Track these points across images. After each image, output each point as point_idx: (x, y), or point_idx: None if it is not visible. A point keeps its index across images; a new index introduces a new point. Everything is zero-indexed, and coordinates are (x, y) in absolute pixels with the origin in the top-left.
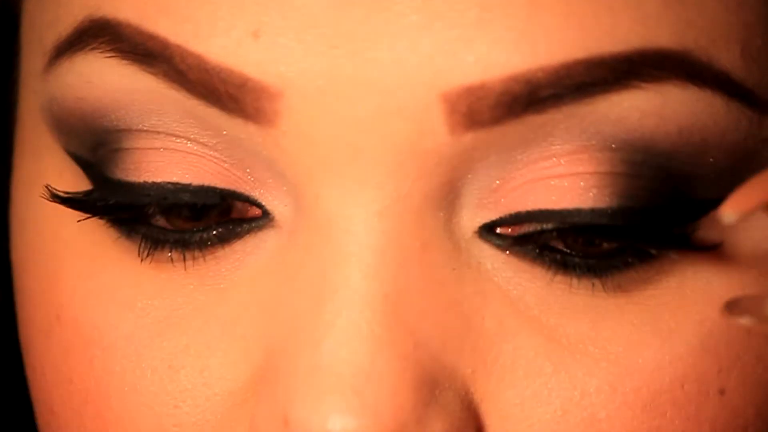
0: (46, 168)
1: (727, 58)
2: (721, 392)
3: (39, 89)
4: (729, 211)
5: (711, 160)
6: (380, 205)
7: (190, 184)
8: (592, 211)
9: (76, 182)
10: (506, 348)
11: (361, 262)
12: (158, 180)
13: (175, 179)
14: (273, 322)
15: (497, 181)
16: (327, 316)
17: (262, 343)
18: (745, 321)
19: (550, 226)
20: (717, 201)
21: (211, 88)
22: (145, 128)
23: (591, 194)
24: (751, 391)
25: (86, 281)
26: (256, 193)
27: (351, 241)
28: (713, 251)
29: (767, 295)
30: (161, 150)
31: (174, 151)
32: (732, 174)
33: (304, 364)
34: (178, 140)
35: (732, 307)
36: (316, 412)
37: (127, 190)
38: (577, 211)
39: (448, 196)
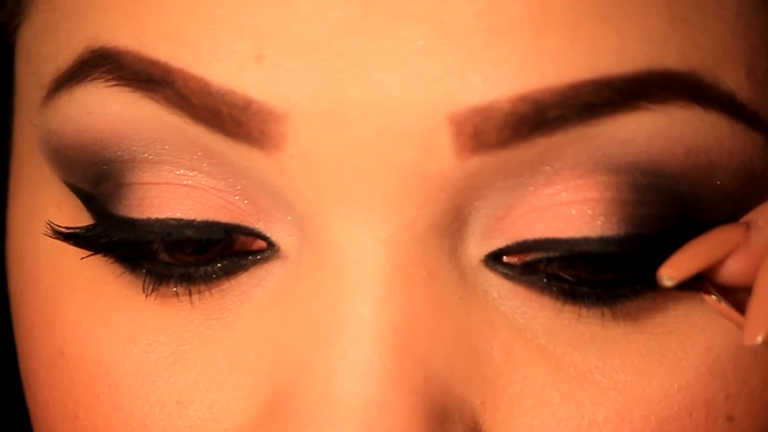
0: (44, 200)
1: (733, 79)
2: (729, 419)
3: (36, 122)
4: (667, 274)
5: (718, 182)
6: (386, 233)
7: (194, 220)
8: (600, 240)
9: (75, 215)
10: (515, 378)
11: (369, 294)
12: (162, 216)
13: (179, 215)
14: (281, 356)
15: (503, 209)
16: (337, 349)
17: (271, 377)
18: (713, 300)
19: (557, 254)
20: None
21: (215, 112)
22: (148, 158)
23: (598, 222)
24: (758, 416)
25: (90, 316)
26: (260, 225)
27: (359, 271)
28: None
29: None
30: (165, 185)
31: (178, 186)
32: (738, 197)
33: (315, 398)
34: (181, 172)
35: (705, 286)
36: None
37: (131, 226)
38: (585, 240)
39: (453, 224)
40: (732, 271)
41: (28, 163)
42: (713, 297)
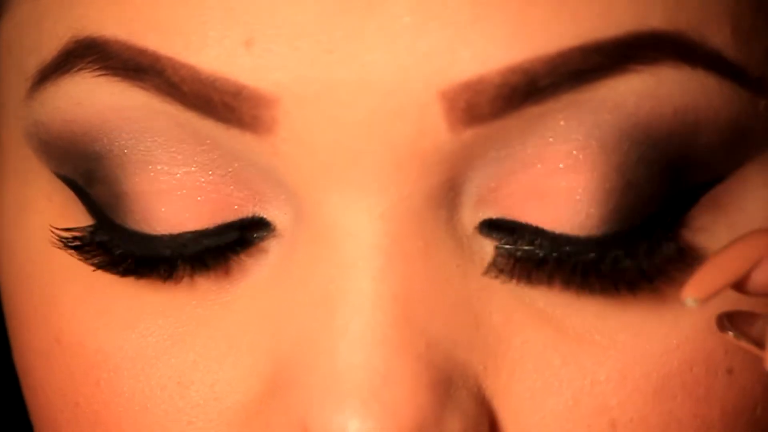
0: (34, 193)
1: (719, 37)
2: (729, 372)
3: (21, 115)
4: (691, 297)
5: (705, 140)
6: (382, 208)
7: (207, 229)
8: (588, 240)
9: (66, 205)
10: (515, 342)
11: (367, 266)
12: (174, 231)
13: (190, 227)
14: (281, 332)
15: (495, 180)
16: (339, 321)
17: (271, 354)
18: (731, 337)
19: (544, 252)
20: (712, 183)
21: (206, 99)
22: (139, 154)
23: (585, 212)
24: (758, 369)
25: (85, 304)
26: (257, 208)
27: (356, 245)
28: (711, 234)
29: (758, 314)
30: (165, 194)
31: (179, 195)
32: (726, 154)
33: (320, 372)
34: (175, 170)
35: (721, 322)
36: (336, 418)
37: (145, 242)
38: (574, 240)
39: (448, 195)
40: (758, 283)
41: (15, 156)
42: (731, 334)
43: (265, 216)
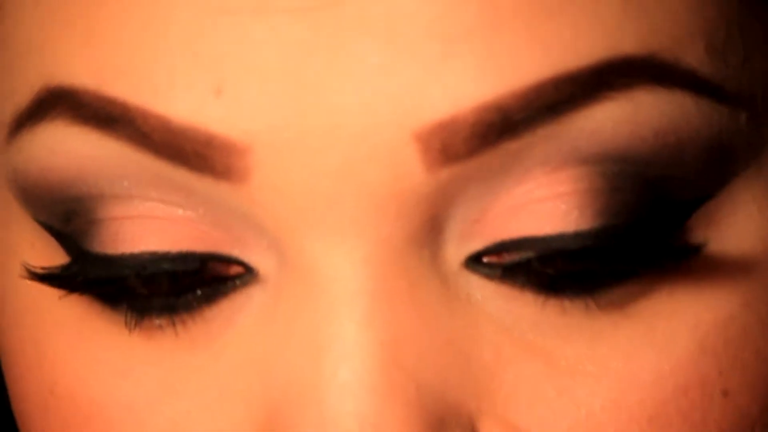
0: (18, 239)
1: (693, 55)
2: (725, 394)
3: (2, 161)
4: None
5: (688, 160)
6: (363, 251)
7: (168, 252)
8: (576, 235)
9: (49, 252)
10: (507, 377)
11: (352, 311)
12: (136, 250)
13: (152, 248)
14: (271, 380)
15: (478, 212)
16: (327, 370)
17: (264, 402)
18: None
19: (534, 253)
20: (699, 201)
21: (177, 148)
22: (116, 193)
23: (573, 216)
24: (754, 389)
25: (77, 354)
26: (236, 251)
27: (339, 290)
28: (700, 253)
29: None
30: (137, 218)
31: (150, 219)
32: (710, 170)
33: (309, 421)
34: (152, 204)
35: None
36: None
37: (106, 263)
38: (561, 236)
39: (430, 234)
40: None
41: (0, 201)
42: None
43: (247, 262)
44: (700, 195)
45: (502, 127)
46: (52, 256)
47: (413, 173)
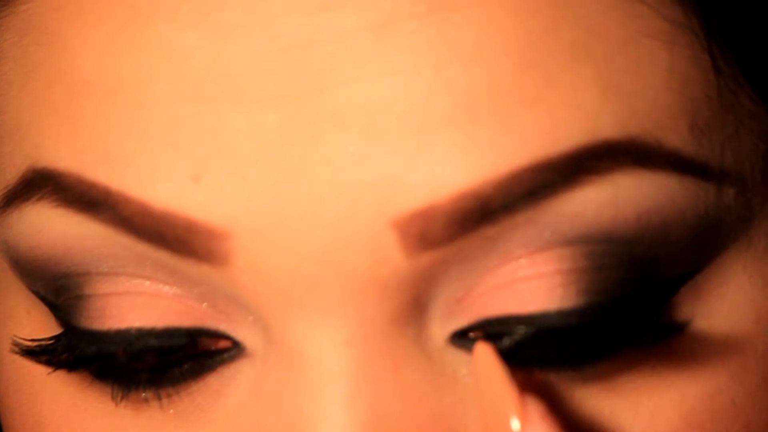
0: (14, 307)
1: (676, 135)
2: None
3: None
4: None
5: (674, 238)
6: (346, 334)
7: (154, 328)
8: (559, 313)
9: (44, 320)
10: None
11: (335, 393)
12: (123, 326)
13: (138, 324)
14: None
15: (462, 290)
16: None
17: None
18: None
19: (520, 333)
20: (685, 276)
21: (158, 233)
22: (103, 271)
23: (556, 295)
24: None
25: (71, 425)
26: (222, 326)
27: (321, 372)
28: (686, 328)
29: None
30: (124, 295)
31: (136, 295)
32: (697, 247)
33: None
34: (138, 281)
35: None
36: None
37: (93, 339)
38: (544, 315)
39: (414, 313)
40: None
41: None
42: None
43: (235, 336)
44: (687, 270)
45: (480, 215)
46: (47, 324)
47: (393, 259)
